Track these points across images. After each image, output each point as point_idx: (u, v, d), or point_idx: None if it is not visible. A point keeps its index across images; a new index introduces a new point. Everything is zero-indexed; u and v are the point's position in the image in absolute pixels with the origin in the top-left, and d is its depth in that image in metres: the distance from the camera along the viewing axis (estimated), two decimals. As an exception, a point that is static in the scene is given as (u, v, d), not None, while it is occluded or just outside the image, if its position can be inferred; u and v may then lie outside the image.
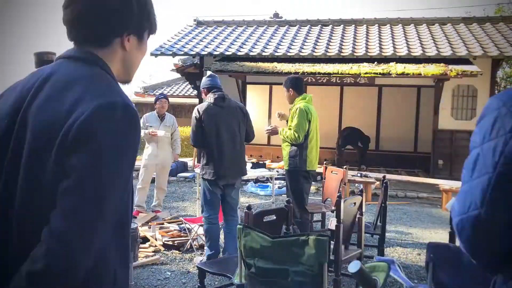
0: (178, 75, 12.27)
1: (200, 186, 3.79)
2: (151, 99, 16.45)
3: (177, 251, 3.98)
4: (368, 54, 7.99)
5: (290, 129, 3.81)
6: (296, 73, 7.71)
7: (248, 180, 5.80)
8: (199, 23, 10.53)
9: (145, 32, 1.04)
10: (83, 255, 0.80)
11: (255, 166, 5.46)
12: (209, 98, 3.47)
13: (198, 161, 5.29)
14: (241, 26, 10.25)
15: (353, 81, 8.14)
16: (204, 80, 3.62)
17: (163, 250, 4.01)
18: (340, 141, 8.88)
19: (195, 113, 3.42)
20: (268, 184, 7.07)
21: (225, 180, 3.45)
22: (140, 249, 3.86)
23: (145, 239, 4.14)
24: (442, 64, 7.37)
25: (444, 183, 6.99)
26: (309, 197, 4.05)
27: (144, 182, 5.19)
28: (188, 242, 4.02)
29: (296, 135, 3.71)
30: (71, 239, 0.78)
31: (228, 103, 3.49)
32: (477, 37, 8.23)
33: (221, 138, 3.39)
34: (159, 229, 4.40)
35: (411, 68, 7.34)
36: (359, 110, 10.34)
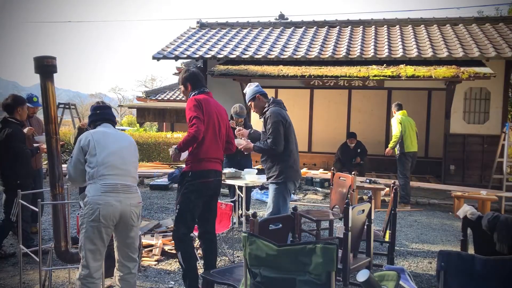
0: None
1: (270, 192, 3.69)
2: (154, 104, 16.55)
3: (181, 259, 3.89)
4: (377, 56, 7.87)
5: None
6: (302, 76, 7.62)
7: (253, 187, 5.72)
8: (202, 25, 10.45)
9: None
10: None
11: (261, 172, 5.38)
12: (274, 104, 3.60)
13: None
14: (245, 28, 10.16)
15: (361, 84, 8.02)
16: (255, 88, 3.68)
17: (163, 258, 3.95)
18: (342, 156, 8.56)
19: (277, 118, 3.46)
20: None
21: (298, 180, 3.70)
22: (142, 258, 3.79)
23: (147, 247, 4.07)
24: (453, 66, 7.22)
25: (456, 189, 6.84)
26: (316, 204, 3.98)
27: None
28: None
29: None
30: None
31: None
32: (490, 38, 8.06)
33: (295, 139, 3.65)
34: (162, 237, 4.32)
35: (421, 71, 7.21)
36: (367, 114, 10.21)
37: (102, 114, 2.82)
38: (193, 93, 3.11)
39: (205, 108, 3.01)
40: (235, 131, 4.00)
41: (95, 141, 2.59)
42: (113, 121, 2.85)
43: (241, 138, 3.86)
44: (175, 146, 3.03)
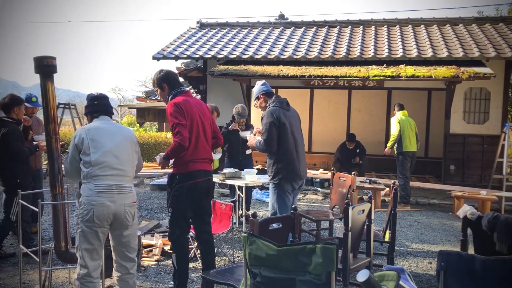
0: (181, 79, 12.31)
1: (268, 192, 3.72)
2: (154, 104, 16.52)
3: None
4: (377, 56, 7.86)
5: None
6: (302, 76, 7.61)
7: (253, 187, 5.73)
8: (202, 26, 10.43)
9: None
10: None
11: (261, 172, 5.39)
12: (275, 103, 3.54)
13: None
14: (245, 28, 10.13)
15: (361, 84, 8.02)
16: (260, 87, 3.68)
17: (163, 258, 3.94)
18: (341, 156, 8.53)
19: (270, 118, 3.41)
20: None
21: (301, 180, 3.56)
22: (142, 258, 3.79)
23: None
24: (453, 66, 7.22)
25: (456, 189, 6.84)
26: (316, 204, 3.98)
27: None
28: (192, 251, 3.93)
29: None
30: None
31: (291, 107, 3.65)
32: (490, 38, 8.05)
33: (296, 139, 3.54)
34: (162, 237, 4.32)
35: (421, 71, 7.20)
36: (367, 114, 10.20)
37: (99, 105, 2.69)
38: (171, 95, 3.02)
39: (186, 111, 2.92)
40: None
41: (89, 140, 2.51)
42: (110, 113, 2.76)
43: (255, 134, 3.85)
44: (162, 154, 2.99)
